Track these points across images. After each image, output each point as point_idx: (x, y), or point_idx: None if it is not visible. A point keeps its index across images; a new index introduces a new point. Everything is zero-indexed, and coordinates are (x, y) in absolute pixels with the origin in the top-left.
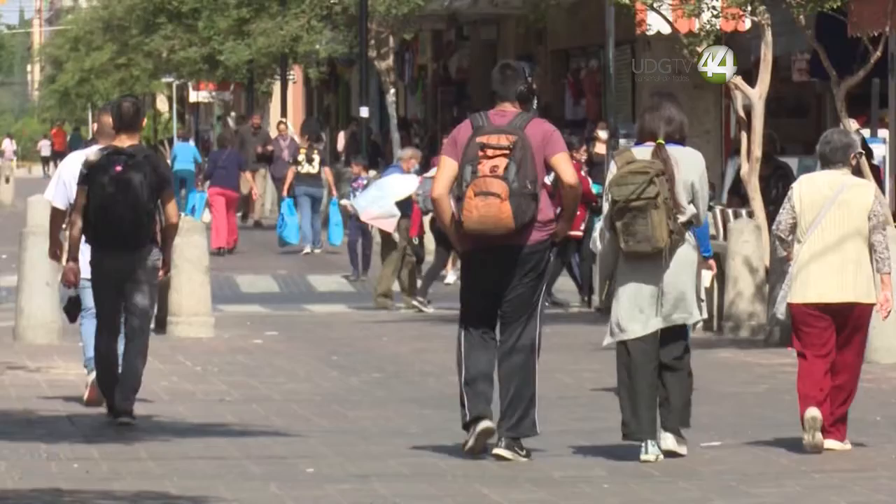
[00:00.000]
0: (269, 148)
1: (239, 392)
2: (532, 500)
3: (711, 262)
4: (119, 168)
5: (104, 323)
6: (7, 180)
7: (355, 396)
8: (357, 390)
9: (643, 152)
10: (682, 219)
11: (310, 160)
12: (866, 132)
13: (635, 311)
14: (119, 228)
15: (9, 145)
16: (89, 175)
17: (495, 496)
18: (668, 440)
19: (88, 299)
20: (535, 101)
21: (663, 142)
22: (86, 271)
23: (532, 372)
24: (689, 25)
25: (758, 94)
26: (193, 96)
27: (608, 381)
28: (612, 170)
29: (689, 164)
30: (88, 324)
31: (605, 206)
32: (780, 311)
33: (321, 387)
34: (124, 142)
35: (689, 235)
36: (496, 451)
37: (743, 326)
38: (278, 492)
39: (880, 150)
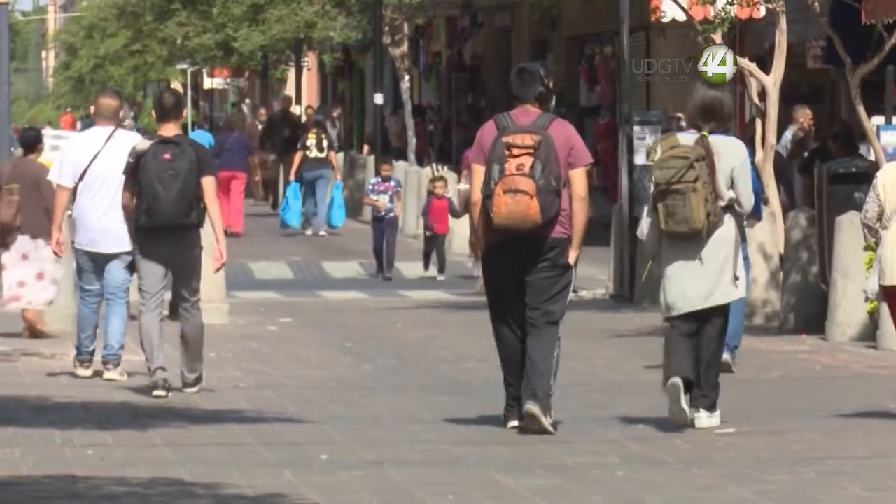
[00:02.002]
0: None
1: (253, 378)
2: (545, 486)
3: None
4: (167, 156)
5: (149, 299)
6: None
7: (369, 383)
8: (371, 377)
9: (688, 138)
10: (721, 203)
11: (319, 145)
12: (881, 119)
13: (678, 290)
14: (167, 212)
15: None
16: (138, 162)
17: (509, 482)
18: (701, 419)
19: (87, 278)
20: (554, 101)
21: (707, 134)
22: (88, 244)
23: (552, 350)
24: (704, 12)
25: (772, 81)
26: (208, 83)
27: (621, 368)
28: (658, 153)
29: (730, 153)
30: (87, 309)
31: (650, 189)
32: (870, 290)
33: (335, 373)
34: (169, 130)
35: (728, 217)
36: (526, 407)
37: (757, 313)
38: (292, 478)
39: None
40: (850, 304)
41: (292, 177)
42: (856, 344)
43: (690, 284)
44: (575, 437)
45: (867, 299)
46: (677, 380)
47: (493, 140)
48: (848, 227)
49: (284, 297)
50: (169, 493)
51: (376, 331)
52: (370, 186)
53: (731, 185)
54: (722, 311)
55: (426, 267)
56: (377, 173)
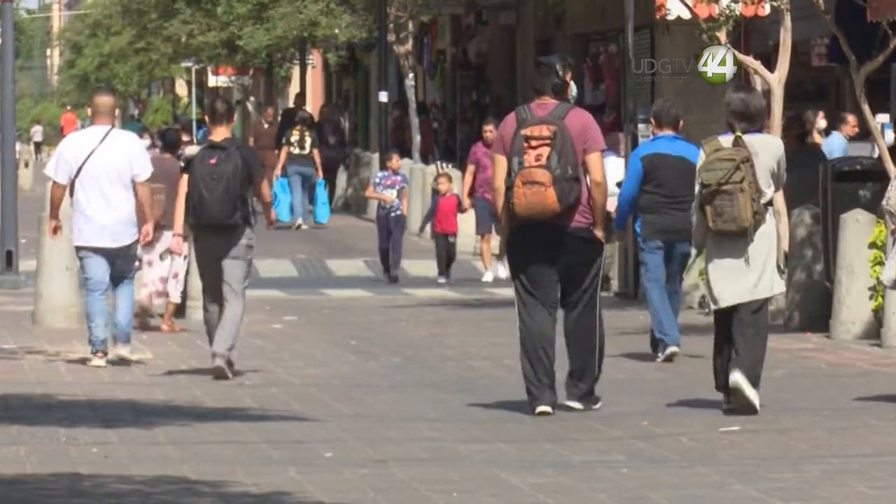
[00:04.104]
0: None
1: (258, 376)
2: (551, 484)
3: None
4: (213, 161)
5: (208, 293)
6: (26, 165)
7: (374, 381)
8: (376, 375)
9: (728, 140)
10: (763, 200)
11: (301, 143)
12: (885, 117)
13: (724, 284)
14: (211, 213)
15: None
16: (189, 167)
17: (514, 481)
18: (736, 375)
19: (90, 270)
20: (575, 91)
21: (740, 134)
22: (86, 240)
23: (594, 339)
24: (709, 10)
25: (777, 78)
26: (212, 81)
27: (625, 366)
28: (701, 156)
29: (767, 151)
30: (94, 300)
31: (696, 189)
32: (887, 278)
33: (340, 371)
34: (220, 135)
35: (768, 215)
36: (567, 402)
37: None
38: (297, 476)
39: None
40: (854, 302)
41: (279, 171)
42: (860, 342)
43: (736, 278)
44: (580, 435)
45: (875, 286)
46: (738, 379)
47: (513, 133)
48: (853, 224)
49: (289, 295)
50: (173, 492)
51: (381, 329)
52: (376, 180)
53: (773, 181)
54: (763, 302)
55: (441, 273)
56: (383, 167)
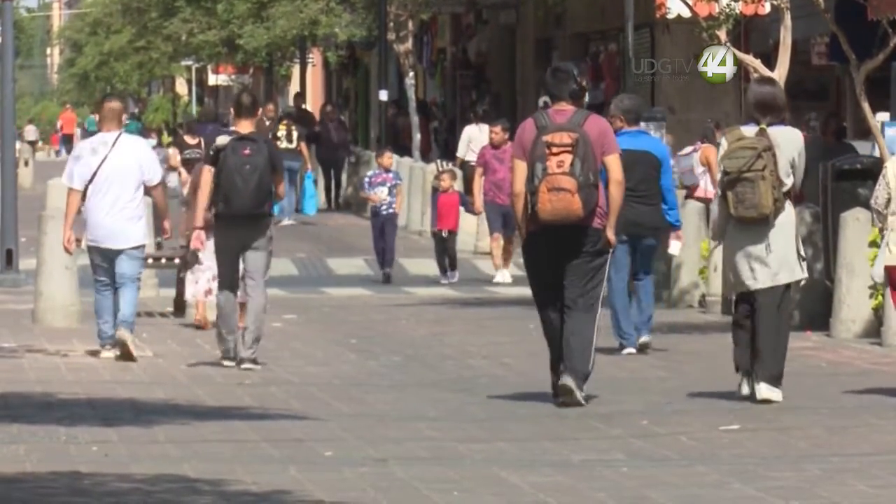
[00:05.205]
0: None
1: (257, 375)
2: (551, 483)
3: (680, 233)
4: (247, 152)
5: (224, 281)
6: (26, 164)
7: (374, 380)
8: (376, 374)
9: (751, 131)
10: (783, 189)
11: (289, 137)
12: (885, 115)
13: (746, 270)
14: (245, 203)
15: None
16: (219, 157)
17: (514, 479)
18: (761, 390)
19: (98, 271)
20: (587, 98)
21: (765, 127)
22: (96, 242)
23: (591, 329)
24: (709, 9)
25: (777, 77)
26: (213, 79)
27: (626, 364)
28: (724, 145)
29: (788, 143)
30: (102, 298)
31: (719, 177)
32: (876, 274)
33: (340, 370)
34: (246, 128)
35: (788, 203)
36: (562, 381)
37: None
38: (297, 475)
39: None
40: (854, 301)
41: None
42: (860, 340)
43: (758, 264)
44: (580, 434)
45: (874, 285)
46: (764, 394)
47: (534, 139)
48: (853, 223)
49: (289, 293)
50: (173, 490)
51: (381, 327)
52: (367, 179)
53: (792, 172)
54: (784, 289)
55: (442, 273)
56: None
